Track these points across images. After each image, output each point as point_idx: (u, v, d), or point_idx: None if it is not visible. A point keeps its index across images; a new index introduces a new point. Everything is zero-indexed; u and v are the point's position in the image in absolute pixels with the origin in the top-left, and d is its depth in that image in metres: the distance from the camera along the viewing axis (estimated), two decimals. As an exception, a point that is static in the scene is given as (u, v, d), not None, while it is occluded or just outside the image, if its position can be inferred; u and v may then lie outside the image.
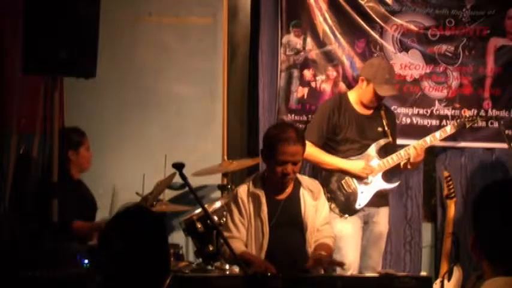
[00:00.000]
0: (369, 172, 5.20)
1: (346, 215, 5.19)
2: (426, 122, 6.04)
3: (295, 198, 4.41)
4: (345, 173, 5.23)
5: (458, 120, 5.60)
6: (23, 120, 5.01)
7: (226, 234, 4.25)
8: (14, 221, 4.92)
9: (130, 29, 6.02)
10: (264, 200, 4.33)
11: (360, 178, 5.22)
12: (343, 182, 5.24)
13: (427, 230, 6.16)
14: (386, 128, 5.32)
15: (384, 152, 5.32)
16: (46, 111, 5.08)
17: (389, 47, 6.04)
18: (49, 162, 4.81)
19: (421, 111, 6.05)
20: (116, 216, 2.72)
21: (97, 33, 4.56)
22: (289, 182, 4.32)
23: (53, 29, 4.36)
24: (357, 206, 5.22)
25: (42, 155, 5.15)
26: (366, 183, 5.24)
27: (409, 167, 5.36)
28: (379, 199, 5.32)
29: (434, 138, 5.43)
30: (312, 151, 5.13)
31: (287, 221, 4.37)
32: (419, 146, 5.32)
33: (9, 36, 4.83)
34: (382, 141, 5.30)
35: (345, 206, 5.21)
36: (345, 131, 5.27)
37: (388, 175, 5.36)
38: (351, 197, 5.23)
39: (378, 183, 5.27)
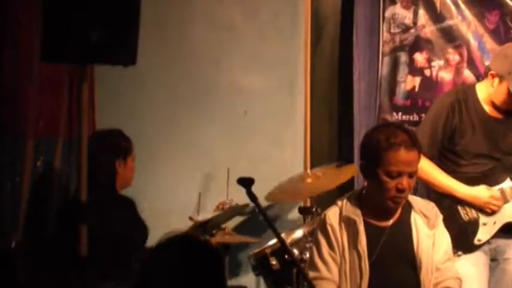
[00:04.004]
0: (497, 206, 4.72)
1: (460, 252, 4.65)
2: None
3: (404, 225, 4.04)
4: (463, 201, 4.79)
5: None
6: (41, 122, 4.69)
7: (312, 274, 4.00)
8: (31, 255, 4.58)
9: (181, 3, 5.70)
10: (362, 227, 4.01)
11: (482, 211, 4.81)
12: (459, 206, 4.73)
13: None
14: None
15: None
16: (72, 110, 4.77)
17: (533, 22, 5.53)
18: (76, 176, 4.36)
19: None
20: (156, 248, 2.72)
21: (138, 8, 4.15)
22: (403, 201, 4.00)
23: (81, 4, 3.94)
24: (476, 242, 4.71)
25: (67, 166, 4.78)
26: (492, 212, 4.77)
27: None
28: (510, 228, 4.80)
29: None
30: (423, 165, 4.57)
31: (394, 256, 4.00)
32: None
33: (24, 14, 4.51)
34: None
35: (459, 239, 4.61)
36: (467, 139, 4.77)
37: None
38: (469, 229, 4.74)
39: (508, 213, 4.75)
